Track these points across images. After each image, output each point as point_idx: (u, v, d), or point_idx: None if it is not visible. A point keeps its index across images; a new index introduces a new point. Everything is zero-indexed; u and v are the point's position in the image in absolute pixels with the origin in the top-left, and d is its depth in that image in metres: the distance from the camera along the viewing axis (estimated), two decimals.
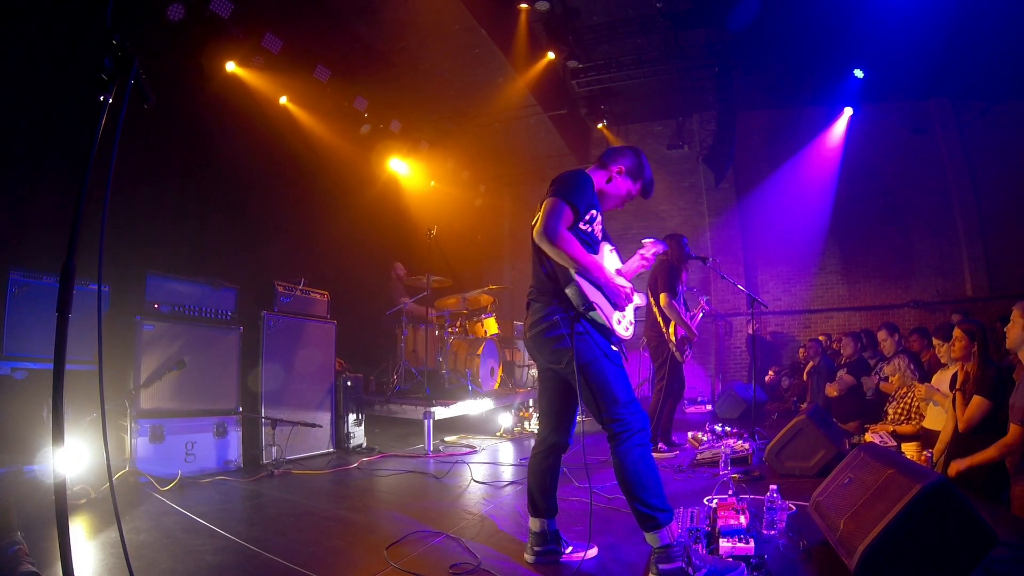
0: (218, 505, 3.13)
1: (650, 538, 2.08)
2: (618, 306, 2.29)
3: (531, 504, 2.38)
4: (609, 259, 2.39)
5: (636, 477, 2.08)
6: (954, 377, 3.55)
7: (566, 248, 2.09)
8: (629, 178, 2.41)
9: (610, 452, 2.15)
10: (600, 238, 2.37)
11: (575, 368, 2.14)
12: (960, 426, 3.16)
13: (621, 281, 2.29)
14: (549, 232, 2.10)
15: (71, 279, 1.36)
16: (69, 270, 1.36)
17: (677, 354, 4.67)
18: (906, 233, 8.77)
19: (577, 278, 2.15)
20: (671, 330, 4.63)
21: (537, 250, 2.26)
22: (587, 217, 2.24)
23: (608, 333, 2.25)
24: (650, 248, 2.51)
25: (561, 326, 2.19)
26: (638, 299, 2.42)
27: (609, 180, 2.39)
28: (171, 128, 4.99)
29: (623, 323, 2.32)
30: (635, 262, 2.48)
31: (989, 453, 2.88)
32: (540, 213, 2.19)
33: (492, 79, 7.40)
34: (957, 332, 3.51)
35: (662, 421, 4.67)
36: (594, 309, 2.16)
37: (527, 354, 8.30)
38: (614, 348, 2.24)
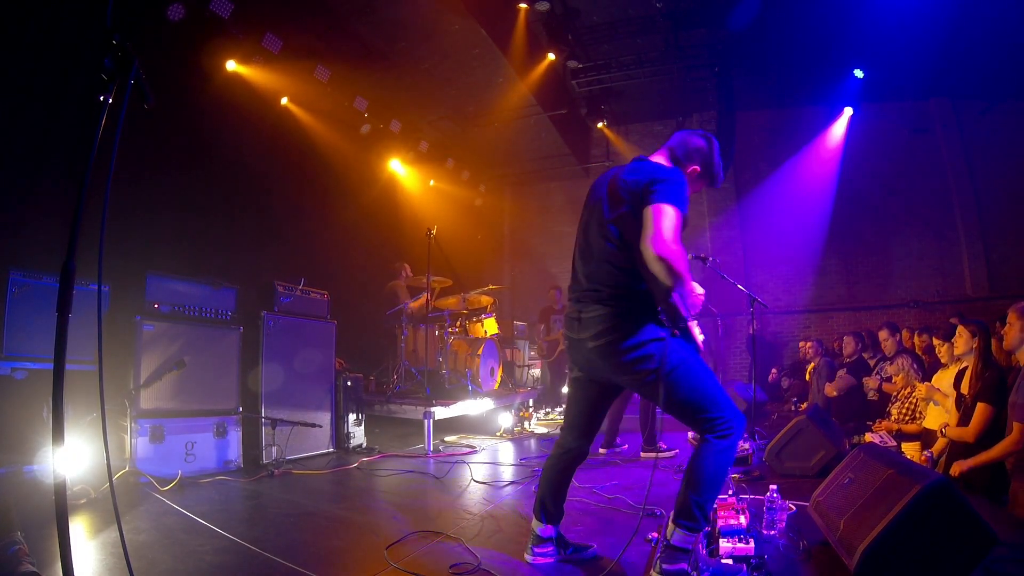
0: (218, 505, 3.13)
1: (672, 531, 2.01)
2: (693, 314, 2.19)
3: (541, 509, 2.32)
4: None
5: (713, 474, 2.00)
6: (959, 375, 3.55)
7: (681, 268, 1.85)
8: (702, 179, 2.26)
9: (699, 441, 2.06)
10: None
11: (666, 378, 1.99)
12: (971, 438, 3.17)
13: (698, 288, 2.24)
14: (668, 247, 1.84)
15: (71, 279, 1.36)
16: (69, 270, 1.36)
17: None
18: (906, 233, 8.77)
19: (675, 295, 1.99)
20: None
21: (623, 253, 2.06)
22: None
23: (692, 340, 2.13)
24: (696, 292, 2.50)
25: (651, 342, 2.02)
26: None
27: (689, 181, 2.21)
28: (171, 128, 4.97)
29: (697, 329, 2.19)
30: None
31: (992, 453, 2.88)
32: (649, 220, 1.92)
33: (492, 79, 7.40)
34: (960, 329, 3.53)
35: (649, 422, 4.66)
36: (688, 322, 2.06)
37: (528, 354, 8.32)
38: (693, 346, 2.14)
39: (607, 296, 2.08)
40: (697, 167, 2.22)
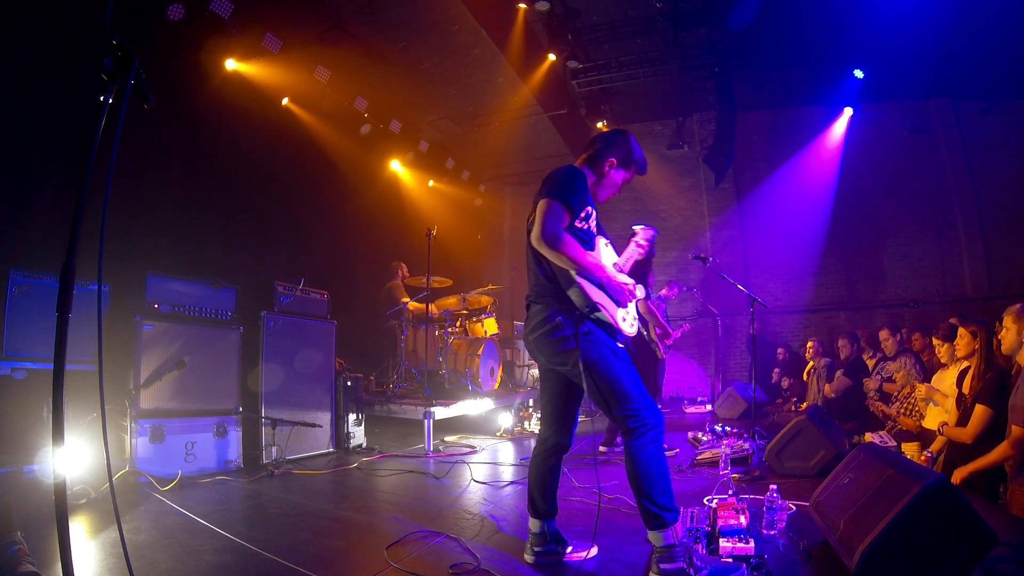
0: (218, 505, 3.13)
1: (653, 536, 2.07)
2: (621, 303, 2.25)
3: (531, 505, 2.36)
4: (605, 253, 2.36)
5: (647, 474, 2.05)
6: (961, 374, 3.55)
7: (566, 251, 2.06)
8: (622, 168, 2.37)
9: (623, 447, 2.14)
10: (595, 233, 2.35)
11: (582, 368, 2.11)
12: (968, 439, 3.17)
13: (623, 278, 2.26)
14: (547, 235, 2.06)
15: (71, 279, 1.36)
16: (69, 270, 1.36)
17: (658, 351, 4.72)
18: (906, 233, 8.77)
19: (579, 279, 2.12)
20: (650, 329, 4.68)
21: (534, 252, 2.23)
22: (582, 215, 2.21)
23: (614, 332, 2.23)
24: (642, 234, 2.51)
25: (565, 327, 2.16)
26: (639, 291, 2.42)
27: (603, 176, 2.35)
28: (171, 128, 4.98)
29: (627, 320, 2.29)
30: (632, 251, 2.46)
31: (991, 457, 2.87)
32: (536, 215, 2.15)
33: (492, 79, 7.40)
34: (961, 330, 3.53)
35: None
36: (599, 310, 2.14)
37: (527, 354, 8.30)
38: (620, 345, 2.22)
39: (535, 295, 2.31)
40: (613, 159, 2.35)
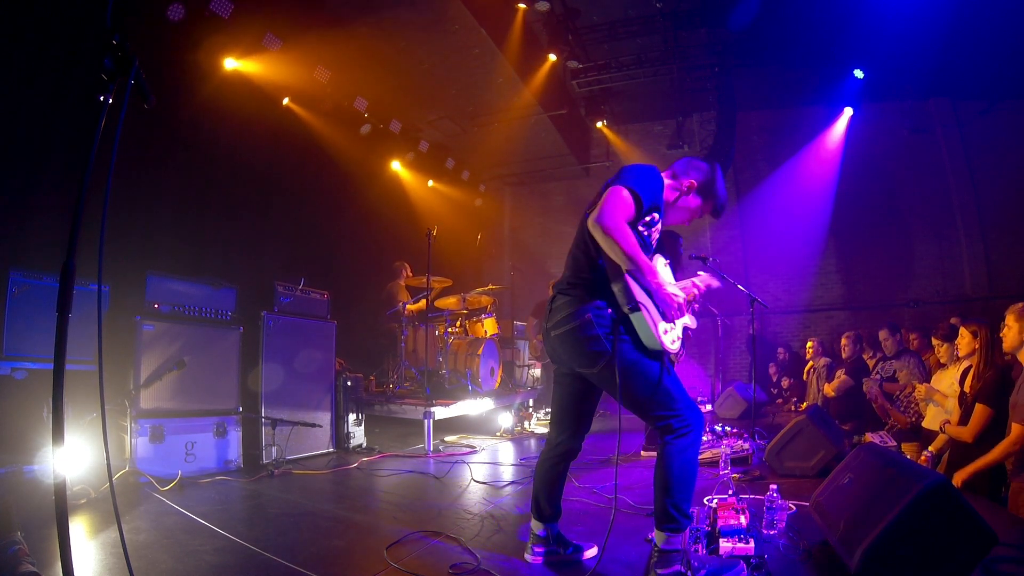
0: (218, 505, 3.13)
1: (659, 536, 2.02)
2: (667, 316, 2.08)
3: (535, 508, 2.33)
4: (663, 272, 2.21)
5: (681, 475, 1.99)
6: (963, 373, 3.55)
7: (623, 241, 1.89)
8: (700, 196, 2.23)
9: (658, 445, 2.06)
10: (655, 248, 2.19)
11: (618, 369, 1.97)
12: (969, 438, 3.17)
13: (675, 290, 2.10)
14: (608, 220, 1.89)
15: (71, 279, 1.36)
16: (69, 270, 1.36)
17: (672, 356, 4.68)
18: (906, 233, 8.77)
19: (627, 276, 1.98)
20: None
21: (584, 238, 2.07)
22: (647, 219, 2.06)
23: (653, 339, 2.03)
24: (704, 281, 2.45)
25: (596, 326, 2.00)
26: (689, 319, 2.30)
27: (679, 193, 2.22)
28: (171, 128, 4.98)
29: (670, 335, 2.10)
30: (688, 289, 2.36)
31: (992, 456, 2.87)
32: (600, 200, 1.99)
33: (492, 79, 7.40)
34: (962, 330, 3.53)
35: None
36: (639, 311, 1.98)
37: (527, 354, 8.29)
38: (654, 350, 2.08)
39: (565, 285, 2.12)
40: (694, 181, 2.23)
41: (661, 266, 2.24)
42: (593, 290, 2.05)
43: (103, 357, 1.58)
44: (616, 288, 2.01)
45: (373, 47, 6.75)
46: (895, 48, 6.86)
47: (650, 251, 2.14)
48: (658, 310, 2.06)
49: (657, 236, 2.17)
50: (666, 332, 2.08)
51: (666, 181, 2.22)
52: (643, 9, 6.86)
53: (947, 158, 8.42)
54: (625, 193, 1.95)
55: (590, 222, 1.95)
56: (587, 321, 2.02)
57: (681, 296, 2.10)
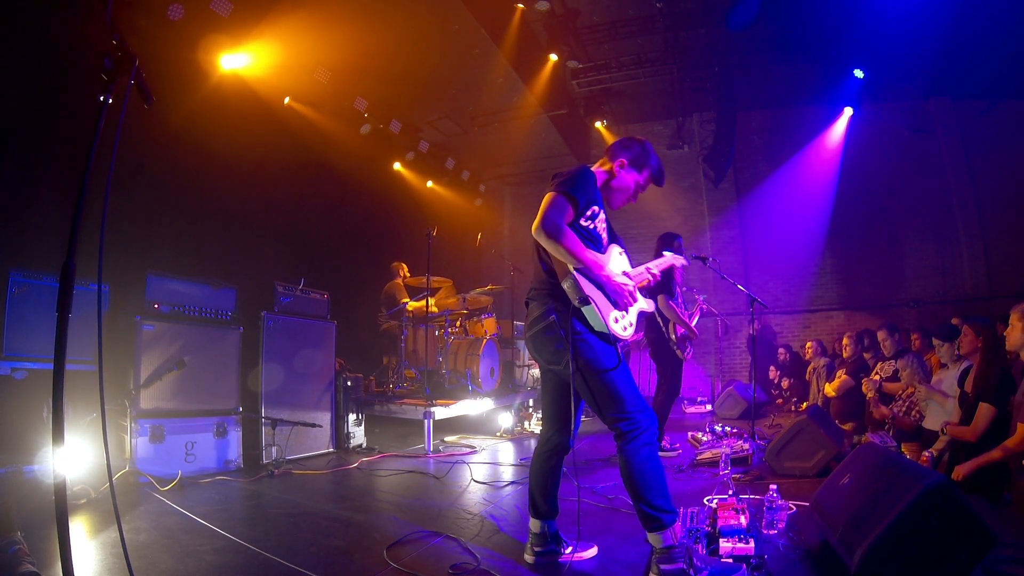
0: (218, 505, 3.13)
1: (652, 539, 2.06)
2: (619, 305, 2.19)
3: (532, 505, 2.36)
4: (617, 261, 2.32)
5: (642, 477, 2.05)
6: (964, 373, 3.55)
7: (564, 243, 2.04)
8: (634, 169, 2.35)
9: (616, 451, 2.12)
10: (606, 238, 2.32)
11: (573, 369, 2.10)
12: (972, 437, 3.17)
13: (622, 279, 2.21)
14: (547, 226, 2.05)
15: (71, 279, 1.36)
16: (69, 270, 1.36)
17: (678, 352, 4.68)
18: (906, 233, 8.77)
19: (575, 273, 2.10)
20: (670, 328, 4.64)
21: (536, 247, 2.23)
22: (588, 213, 2.19)
23: (605, 332, 2.16)
24: (661, 265, 2.51)
25: (559, 326, 2.14)
26: (645, 303, 2.37)
27: (612, 176, 2.34)
28: (171, 128, 4.98)
29: (621, 322, 2.23)
30: (642, 275, 2.40)
31: (994, 454, 2.87)
32: (540, 208, 2.13)
33: (492, 79, 7.39)
34: (965, 329, 3.53)
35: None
36: (589, 303, 2.09)
37: (527, 354, 8.31)
38: (611, 345, 2.18)
39: (534, 291, 2.30)
40: (623, 159, 2.35)
41: (616, 255, 2.34)
42: (553, 292, 2.20)
43: (103, 357, 1.58)
44: (566, 285, 2.13)
45: (373, 47, 6.75)
46: (895, 48, 6.86)
47: (600, 241, 2.28)
48: (609, 300, 2.18)
49: (605, 227, 2.31)
50: (617, 320, 2.21)
51: (599, 170, 2.35)
52: (643, 9, 6.86)
53: (947, 158, 8.42)
54: (559, 197, 2.11)
55: (533, 230, 2.10)
56: (551, 323, 2.18)
57: (631, 284, 2.22)
